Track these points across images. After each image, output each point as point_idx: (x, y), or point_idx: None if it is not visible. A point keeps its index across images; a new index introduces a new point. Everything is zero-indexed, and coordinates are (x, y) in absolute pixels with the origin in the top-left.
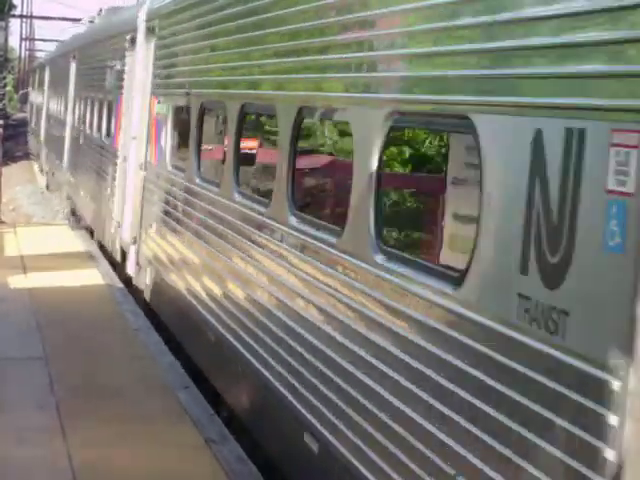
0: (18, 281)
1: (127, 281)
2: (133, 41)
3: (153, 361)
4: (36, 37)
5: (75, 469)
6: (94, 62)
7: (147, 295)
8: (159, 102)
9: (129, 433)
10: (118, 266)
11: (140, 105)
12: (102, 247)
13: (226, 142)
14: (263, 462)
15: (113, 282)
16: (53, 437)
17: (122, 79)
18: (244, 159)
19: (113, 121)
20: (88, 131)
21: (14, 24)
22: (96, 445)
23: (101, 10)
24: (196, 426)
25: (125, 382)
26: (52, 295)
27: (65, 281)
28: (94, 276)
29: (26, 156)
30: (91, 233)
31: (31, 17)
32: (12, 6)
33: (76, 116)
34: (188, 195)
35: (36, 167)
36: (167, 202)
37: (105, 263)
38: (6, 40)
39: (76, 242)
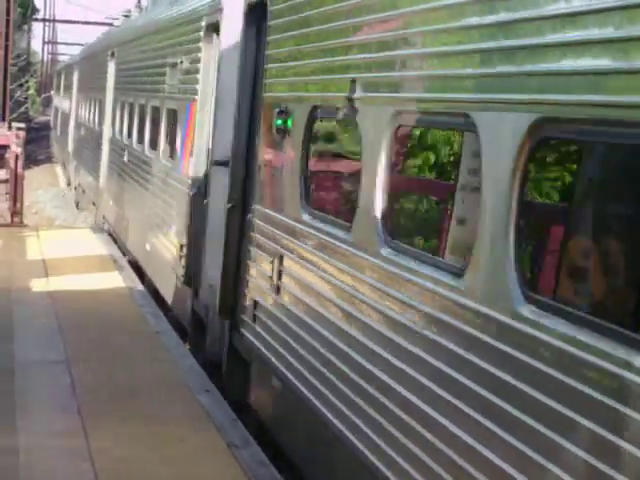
0: (40, 284)
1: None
2: (213, 28)
3: (174, 364)
4: (59, 41)
5: (97, 471)
6: (143, 60)
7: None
8: (283, 112)
9: (151, 436)
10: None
11: (238, 117)
12: (114, 238)
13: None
14: (285, 466)
15: (135, 285)
16: (75, 440)
17: (193, 80)
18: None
19: (179, 138)
20: (137, 147)
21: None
22: (118, 448)
23: (130, 10)
24: (218, 430)
25: (146, 385)
26: (74, 298)
27: (87, 284)
28: (116, 279)
29: (48, 159)
30: (113, 238)
31: (54, 21)
32: (35, 10)
33: (117, 127)
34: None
35: (59, 172)
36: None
37: (127, 266)
38: (29, 44)
39: (98, 245)
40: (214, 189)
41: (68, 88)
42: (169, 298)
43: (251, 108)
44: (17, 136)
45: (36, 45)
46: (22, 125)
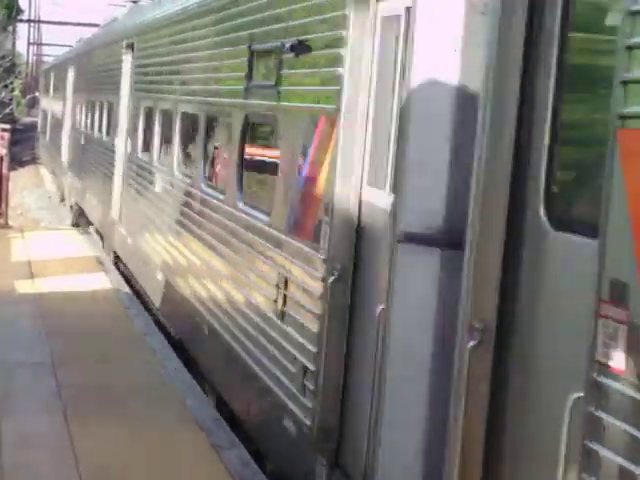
0: (26, 286)
1: None
2: None
3: (160, 366)
4: (43, 42)
5: (81, 473)
6: (190, 51)
7: None
8: None
9: (135, 438)
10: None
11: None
12: (111, 252)
13: None
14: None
15: (121, 287)
16: (60, 441)
17: (330, 78)
18: None
19: (290, 175)
20: (183, 179)
21: (21, 29)
22: (103, 450)
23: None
24: (203, 431)
25: (132, 386)
26: (60, 300)
27: (73, 286)
28: (102, 280)
29: (33, 161)
30: (101, 237)
31: (39, 22)
32: (19, 11)
33: (141, 142)
34: None
35: (45, 174)
36: None
37: (112, 268)
38: (14, 45)
39: (84, 247)
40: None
41: (60, 89)
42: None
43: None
44: (2, 137)
45: (21, 46)
46: (7, 126)
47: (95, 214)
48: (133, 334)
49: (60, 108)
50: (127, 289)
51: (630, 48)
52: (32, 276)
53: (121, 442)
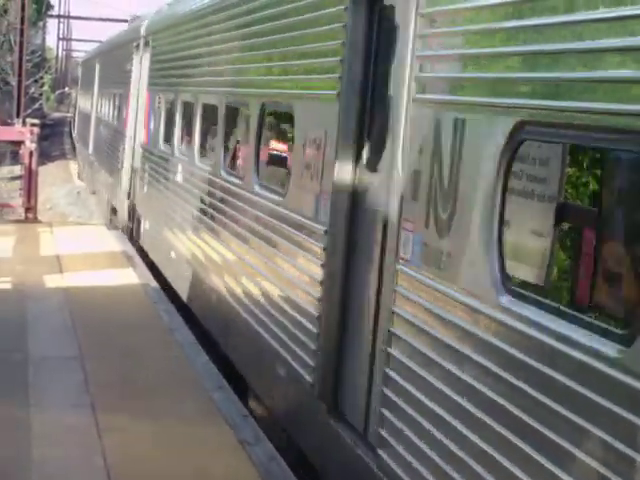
0: (54, 280)
1: None
2: None
3: (188, 361)
4: (73, 37)
5: (109, 467)
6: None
7: None
8: None
9: (163, 433)
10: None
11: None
12: (137, 246)
13: None
14: (295, 461)
15: (149, 282)
16: (88, 435)
17: None
18: None
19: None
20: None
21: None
22: (130, 444)
23: None
24: (230, 426)
25: (159, 382)
26: (88, 294)
27: (101, 281)
28: (130, 276)
29: (62, 155)
30: (131, 236)
31: (68, 17)
32: (49, 6)
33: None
34: None
35: (73, 169)
36: None
37: (141, 263)
38: (43, 40)
39: (112, 242)
40: None
41: (89, 84)
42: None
43: None
44: (31, 132)
45: (51, 41)
46: (36, 121)
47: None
48: (161, 328)
49: (88, 102)
50: (155, 284)
51: None
52: (61, 270)
53: (148, 436)
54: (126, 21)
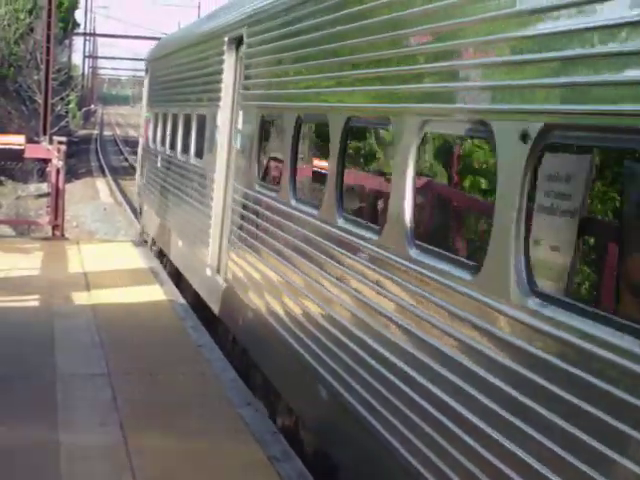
0: (81, 297)
1: None
2: None
3: (216, 378)
4: (99, 55)
5: None
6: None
7: None
8: None
9: (192, 449)
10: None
11: None
12: (164, 262)
13: None
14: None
15: (176, 298)
16: (117, 454)
17: None
18: None
19: None
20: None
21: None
22: (159, 461)
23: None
24: (259, 443)
25: (188, 398)
26: (115, 311)
27: (128, 297)
28: (157, 292)
29: (89, 173)
30: (161, 254)
31: (94, 35)
32: (75, 24)
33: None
34: None
35: (100, 186)
36: None
37: (168, 280)
38: (69, 58)
39: (139, 259)
40: None
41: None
42: None
43: None
44: (58, 150)
45: (77, 59)
46: (63, 139)
47: (181, 259)
48: (188, 345)
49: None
50: (182, 300)
51: None
52: (88, 287)
53: (177, 454)
54: (154, 39)
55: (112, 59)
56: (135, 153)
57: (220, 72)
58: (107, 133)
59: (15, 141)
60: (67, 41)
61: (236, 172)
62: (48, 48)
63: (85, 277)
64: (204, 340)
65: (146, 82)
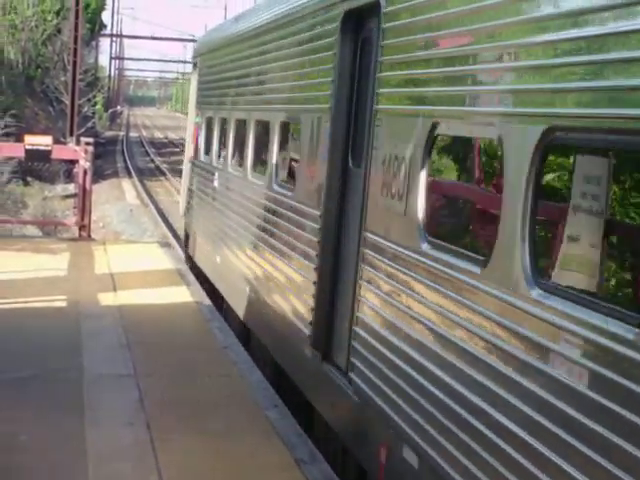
0: (108, 298)
1: None
2: None
3: (242, 379)
4: (125, 56)
5: None
6: None
7: None
8: None
9: (218, 451)
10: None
11: None
12: (192, 264)
13: None
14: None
15: (202, 299)
16: (143, 453)
17: None
18: None
19: None
20: None
21: (104, 43)
22: (186, 462)
23: None
24: (286, 445)
25: (214, 400)
26: (141, 312)
27: (154, 298)
28: (183, 293)
29: (115, 174)
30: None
31: (121, 36)
32: (102, 26)
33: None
34: None
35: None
36: None
37: (194, 281)
38: (96, 59)
39: (165, 260)
40: None
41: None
42: None
43: None
44: (85, 151)
45: (103, 60)
46: (90, 140)
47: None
48: (215, 347)
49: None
50: (208, 301)
51: None
52: (115, 288)
53: (204, 455)
54: (180, 40)
55: (138, 60)
56: (160, 154)
57: (328, 61)
58: (133, 134)
59: (42, 142)
60: (94, 42)
61: (372, 218)
62: (75, 49)
63: (112, 278)
64: (230, 341)
65: (194, 79)
